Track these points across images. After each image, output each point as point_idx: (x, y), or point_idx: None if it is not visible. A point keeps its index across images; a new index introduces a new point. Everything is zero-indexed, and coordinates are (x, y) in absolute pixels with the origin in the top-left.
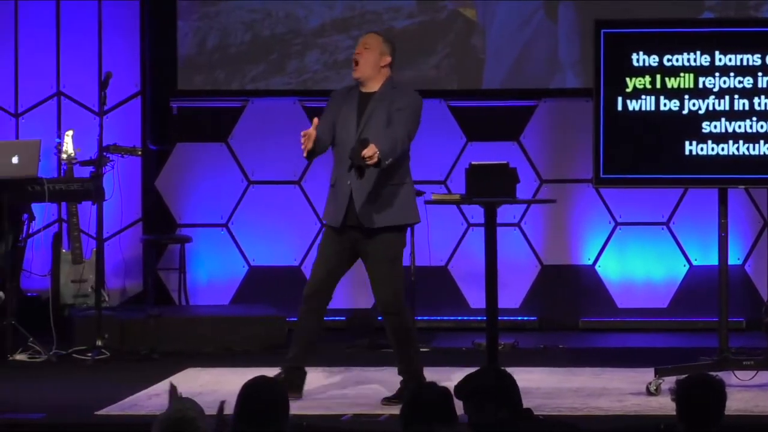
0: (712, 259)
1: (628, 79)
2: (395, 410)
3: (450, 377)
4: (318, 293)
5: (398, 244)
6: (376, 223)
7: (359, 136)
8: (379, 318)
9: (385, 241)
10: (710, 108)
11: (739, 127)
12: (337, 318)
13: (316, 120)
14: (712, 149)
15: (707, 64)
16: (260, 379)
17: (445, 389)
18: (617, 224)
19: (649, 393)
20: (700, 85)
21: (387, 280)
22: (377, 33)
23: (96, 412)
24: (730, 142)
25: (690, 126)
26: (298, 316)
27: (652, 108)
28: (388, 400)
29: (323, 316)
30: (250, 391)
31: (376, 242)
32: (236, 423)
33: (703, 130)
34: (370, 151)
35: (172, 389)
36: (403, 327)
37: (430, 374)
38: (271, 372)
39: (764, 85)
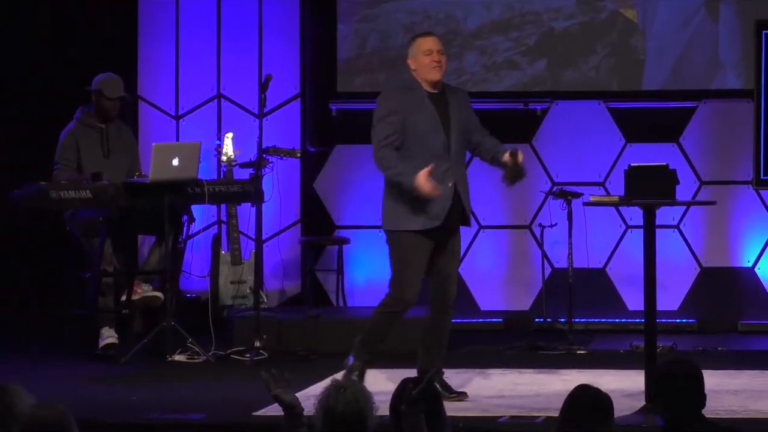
0: None
1: None
2: (553, 412)
3: (608, 380)
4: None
5: None
6: (469, 222)
7: (453, 141)
8: (538, 320)
9: (459, 240)
10: None
11: None
12: (494, 320)
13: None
14: None
15: None
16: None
17: (604, 394)
18: None
19: None
20: None
21: (456, 277)
22: (435, 34)
23: (254, 413)
24: None
25: None
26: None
27: None
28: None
29: None
30: None
31: (456, 240)
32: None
33: None
34: (521, 157)
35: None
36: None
37: (588, 377)
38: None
39: None
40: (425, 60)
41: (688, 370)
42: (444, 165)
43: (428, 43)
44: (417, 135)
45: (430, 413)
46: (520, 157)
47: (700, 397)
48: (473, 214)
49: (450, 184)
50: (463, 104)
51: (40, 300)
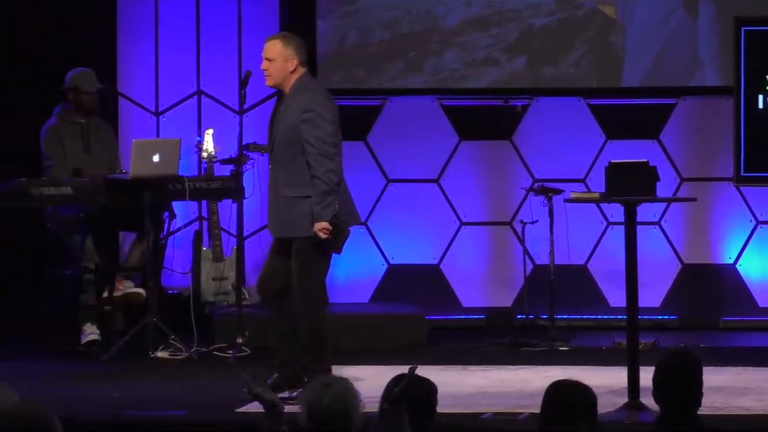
0: None
1: None
2: (535, 409)
3: (590, 376)
4: (265, 293)
5: (311, 248)
6: (282, 233)
7: (273, 141)
8: (520, 316)
9: (298, 245)
10: None
11: None
12: (476, 316)
13: None
14: None
15: None
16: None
17: (587, 388)
18: (758, 223)
19: None
20: None
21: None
22: (276, 38)
23: (236, 410)
24: None
25: None
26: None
27: None
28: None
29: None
30: None
31: (292, 246)
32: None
33: None
34: (319, 231)
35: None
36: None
37: (570, 373)
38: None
39: None
40: None
41: (687, 365)
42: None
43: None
44: None
45: (415, 411)
46: (318, 234)
47: (696, 394)
48: (454, 209)
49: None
50: (294, 110)
51: (19, 297)
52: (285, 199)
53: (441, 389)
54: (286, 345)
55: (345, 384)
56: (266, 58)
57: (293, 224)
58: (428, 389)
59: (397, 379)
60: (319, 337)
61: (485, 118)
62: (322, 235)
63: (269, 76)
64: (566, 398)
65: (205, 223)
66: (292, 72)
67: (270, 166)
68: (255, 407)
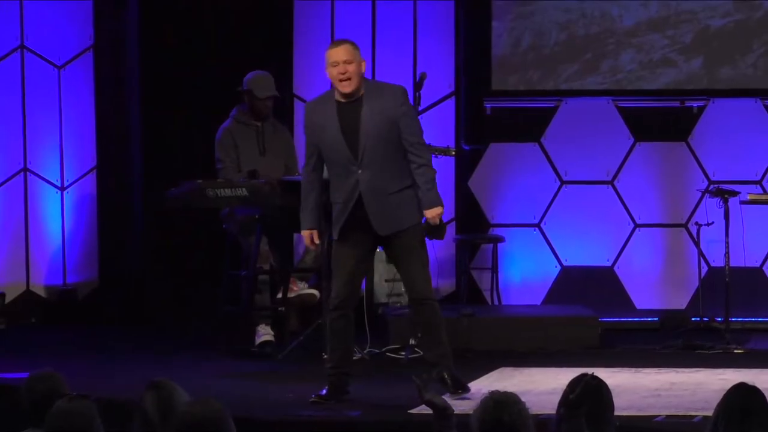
0: None
1: None
2: (710, 412)
3: (765, 379)
4: (345, 300)
5: (421, 235)
6: (393, 229)
7: (363, 150)
8: (694, 318)
9: (408, 236)
10: None
11: None
12: (649, 318)
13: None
14: None
15: None
16: None
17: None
18: None
19: None
20: None
21: (418, 271)
22: (347, 43)
23: (409, 411)
24: None
25: None
26: (329, 324)
27: None
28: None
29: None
30: None
31: (399, 241)
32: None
33: None
34: (436, 217)
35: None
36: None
37: (745, 376)
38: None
39: None
40: (333, 72)
41: None
42: (352, 177)
43: (333, 55)
44: (325, 148)
45: (592, 416)
46: (432, 220)
47: None
48: (628, 211)
49: (357, 192)
50: (386, 107)
51: (195, 297)
52: (392, 195)
53: (614, 391)
54: (351, 355)
55: (514, 399)
56: (345, 62)
57: (401, 218)
58: (606, 396)
59: (573, 385)
60: (442, 322)
61: (661, 120)
62: (437, 221)
63: (350, 80)
64: (741, 402)
65: None
66: (362, 74)
67: (357, 170)
68: (427, 409)
